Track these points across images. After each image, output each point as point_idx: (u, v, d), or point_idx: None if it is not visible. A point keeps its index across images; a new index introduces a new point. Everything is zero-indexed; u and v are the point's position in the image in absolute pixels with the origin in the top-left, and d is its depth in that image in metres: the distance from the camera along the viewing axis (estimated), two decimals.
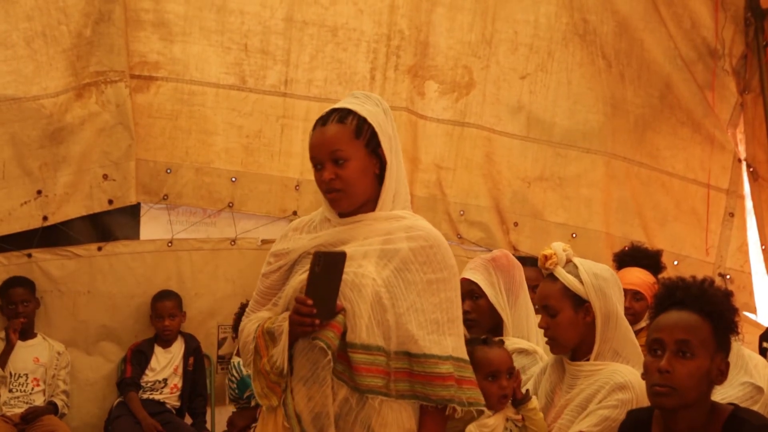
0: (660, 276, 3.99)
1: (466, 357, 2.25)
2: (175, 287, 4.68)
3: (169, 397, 4.56)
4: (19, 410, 4.25)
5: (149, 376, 4.53)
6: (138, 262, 4.67)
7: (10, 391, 4.31)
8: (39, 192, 4.44)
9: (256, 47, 4.70)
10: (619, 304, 2.59)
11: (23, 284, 4.39)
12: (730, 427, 2.10)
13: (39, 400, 4.34)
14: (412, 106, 4.98)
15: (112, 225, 4.64)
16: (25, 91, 4.35)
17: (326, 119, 2.26)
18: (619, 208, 5.28)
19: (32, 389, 4.35)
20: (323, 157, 2.23)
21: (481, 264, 3.02)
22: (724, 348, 2.15)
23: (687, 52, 5.23)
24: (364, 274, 2.16)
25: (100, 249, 4.60)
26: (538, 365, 2.85)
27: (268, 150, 4.78)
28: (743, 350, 2.92)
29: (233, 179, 4.74)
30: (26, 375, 4.35)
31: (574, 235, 5.13)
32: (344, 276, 2.13)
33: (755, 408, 2.68)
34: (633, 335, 2.63)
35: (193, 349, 4.64)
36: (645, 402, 2.26)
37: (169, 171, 4.65)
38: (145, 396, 4.48)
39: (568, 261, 2.60)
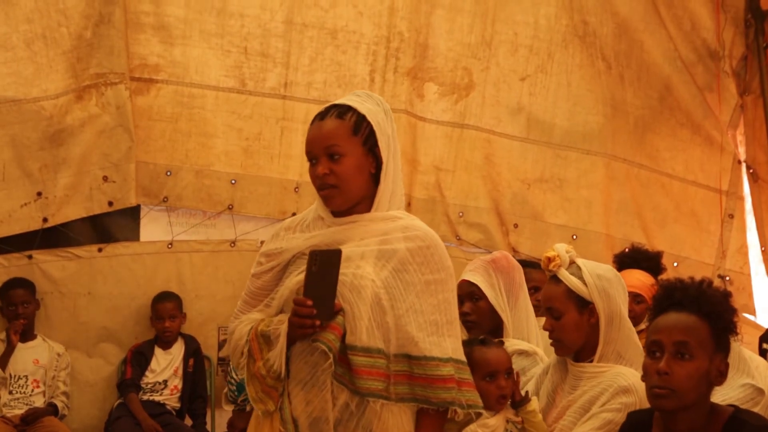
0: (660, 278, 3.99)
1: (465, 359, 2.23)
2: (175, 289, 4.68)
3: (170, 398, 4.56)
4: (19, 411, 4.25)
5: (149, 378, 4.53)
6: (138, 264, 4.67)
7: (10, 392, 4.31)
8: (39, 194, 4.44)
9: (256, 50, 4.71)
10: (623, 305, 2.59)
11: (23, 285, 4.39)
12: (730, 428, 2.09)
13: (39, 402, 4.34)
14: (412, 109, 4.98)
15: (112, 227, 4.66)
16: (25, 93, 4.36)
17: (325, 114, 2.22)
18: (619, 209, 5.28)
19: (32, 391, 4.35)
20: (318, 152, 2.18)
21: (481, 265, 3.02)
22: (723, 349, 2.15)
23: (687, 54, 5.23)
24: (363, 276, 2.13)
25: (100, 250, 4.60)
26: (539, 366, 2.85)
27: (268, 152, 4.79)
28: (743, 351, 2.92)
29: (233, 181, 4.75)
30: (26, 376, 4.35)
31: (574, 237, 5.13)
32: (343, 277, 2.10)
33: (756, 410, 2.67)
34: (636, 336, 2.63)
35: (193, 351, 4.64)
36: (648, 405, 2.25)
37: (169, 173, 4.66)
38: (145, 397, 4.48)
39: (572, 262, 2.60)
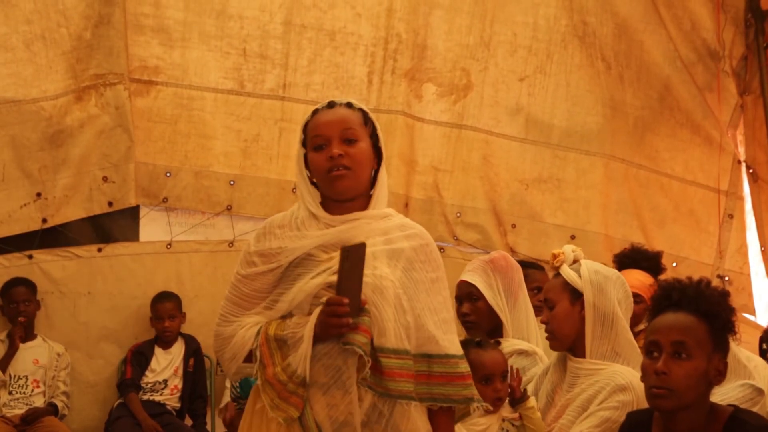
0: (659, 278, 3.98)
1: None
2: (175, 289, 4.69)
3: (170, 398, 4.56)
4: (19, 411, 4.26)
5: (149, 378, 4.53)
6: (138, 264, 4.68)
7: (10, 392, 4.32)
8: (38, 194, 4.45)
9: (255, 51, 4.71)
10: (619, 306, 2.61)
11: (25, 284, 4.40)
12: (730, 428, 2.10)
13: (39, 402, 4.34)
14: (409, 110, 4.98)
15: (111, 227, 4.67)
16: (25, 93, 4.36)
17: (333, 104, 2.21)
18: (617, 209, 5.28)
19: (32, 391, 4.35)
20: (333, 134, 2.14)
21: (479, 266, 3.02)
22: (722, 348, 2.15)
23: (687, 54, 5.22)
24: (383, 276, 2.10)
25: (100, 250, 4.61)
26: (538, 366, 2.86)
27: (266, 153, 4.80)
28: (743, 352, 2.92)
29: (232, 182, 4.76)
30: (26, 376, 4.35)
31: (572, 237, 5.13)
32: (366, 279, 2.05)
33: (755, 409, 2.68)
34: (631, 336, 2.65)
35: (193, 351, 4.64)
36: (646, 404, 2.26)
37: (168, 174, 4.67)
38: (145, 397, 4.48)
39: (576, 261, 2.67)
